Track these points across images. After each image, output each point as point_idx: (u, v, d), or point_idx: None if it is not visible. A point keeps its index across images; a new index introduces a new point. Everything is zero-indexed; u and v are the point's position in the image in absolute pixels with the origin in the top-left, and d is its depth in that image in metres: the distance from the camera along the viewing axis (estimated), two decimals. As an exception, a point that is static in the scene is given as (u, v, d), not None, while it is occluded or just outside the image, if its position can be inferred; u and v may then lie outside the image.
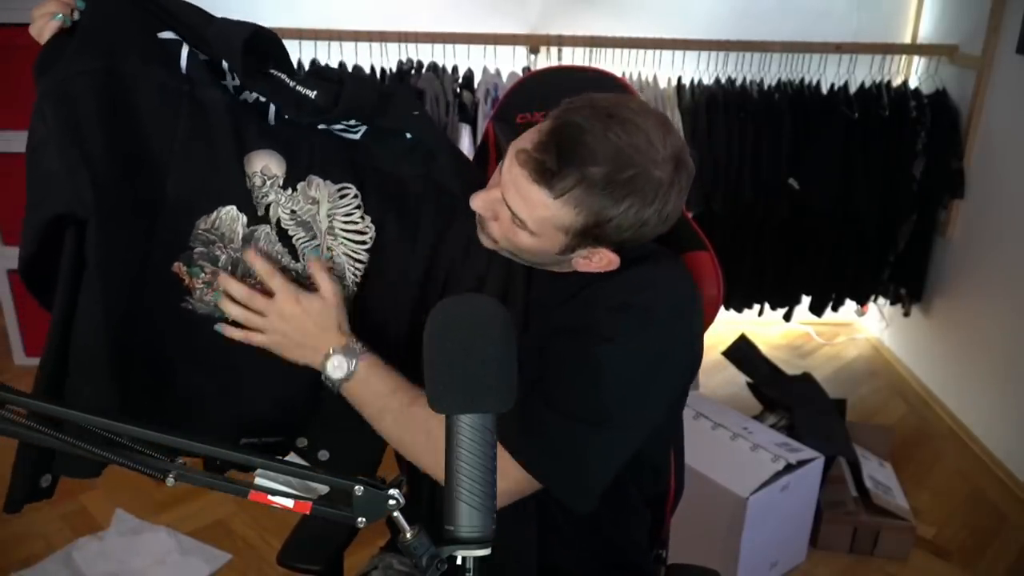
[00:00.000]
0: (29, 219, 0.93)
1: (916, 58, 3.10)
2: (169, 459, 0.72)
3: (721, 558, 1.97)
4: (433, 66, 2.80)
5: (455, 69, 2.82)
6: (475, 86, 2.80)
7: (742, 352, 2.69)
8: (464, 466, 0.70)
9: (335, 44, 2.78)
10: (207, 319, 0.99)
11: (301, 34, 2.74)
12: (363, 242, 1.01)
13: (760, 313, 3.21)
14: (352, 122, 1.00)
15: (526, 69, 2.84)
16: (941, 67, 2.95)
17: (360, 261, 1.02)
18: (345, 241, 1.01)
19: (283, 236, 0.99)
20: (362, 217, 1.01)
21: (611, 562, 1.14)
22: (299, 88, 0.96)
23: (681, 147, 0.92)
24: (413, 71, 2.79)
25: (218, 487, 0.73)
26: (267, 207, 0.98)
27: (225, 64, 0.95)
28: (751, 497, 1.90)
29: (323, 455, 1.05)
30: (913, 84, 3.05)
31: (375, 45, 2.79)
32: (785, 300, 3.17)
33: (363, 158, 1.01)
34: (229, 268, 0.98)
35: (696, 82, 2.89)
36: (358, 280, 1.02)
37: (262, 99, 0.98)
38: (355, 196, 1.00)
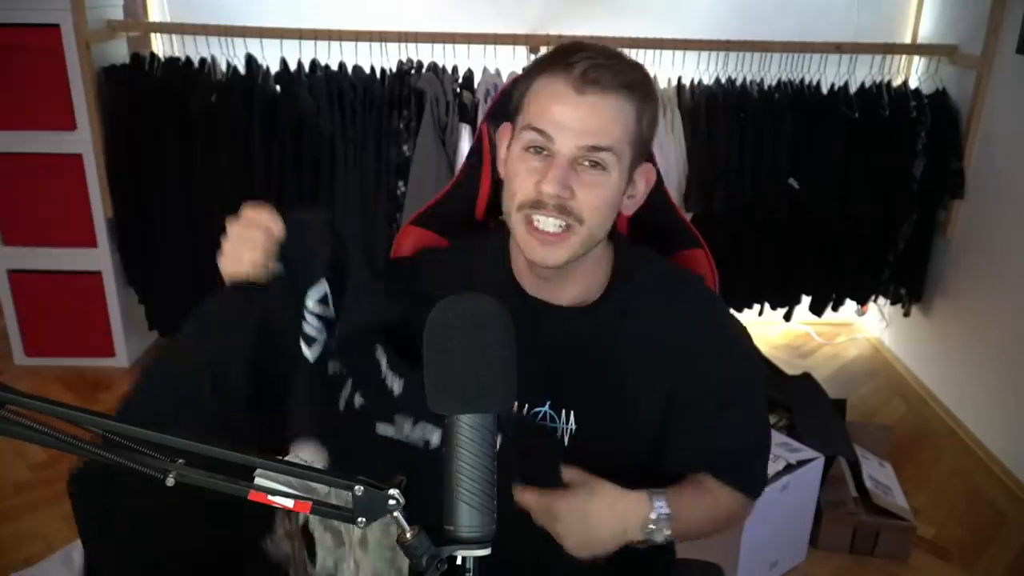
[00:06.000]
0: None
1: (916, 58, 3.10)
2: (169, 459, 0.72)
3: (721, 558, 1.96)
4: (433, 66, 2.80)
5: (455, 69, 2.82)
6: (475, 86, 2.80)
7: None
8: (464, 466, 0.69)
9: (335, 44, 2.78)
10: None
11: (301, 34, 2.74)
12: (392, 559, 0.94)
13: (760, 313, 3.21)
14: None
15: (526, 69, 2.84)
16: (941, 67, 2.94)
17: None
18: (377, 559, 0.94)
19: (305, 533, 0.95)
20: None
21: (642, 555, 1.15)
22: (388, 376, 0.91)
23: None
24: (413, 71, 2.79)
25: (218, 487, 0.73)
26: None
27: (313, 322, 0.92)
28: (751, 497, 1.90)
29: None
30: (913, 84, 3.05)
31: (375, 45, 2.79)
32: (785, 300, 3.17)
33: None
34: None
35: (696, 82, 2.89)
36: None
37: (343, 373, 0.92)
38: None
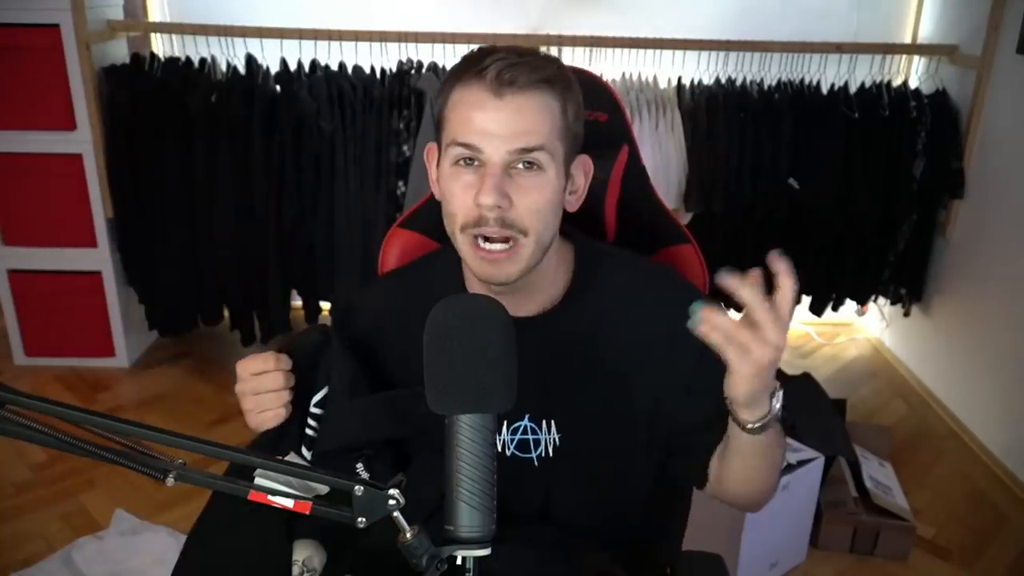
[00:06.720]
0: None
1: (916, 58, 3.10)
2: (169, 459, 0.72)
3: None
4: (433, 66, 2.80)
5: (455, 69, 2.81)
6: (475, 86, 2.80)
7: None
8: (464, 466, 0.69)
9: (335, 44, 2.78)
10: None
11: (301, 34, 2.74)
12: None
13: (760, 313, 3.21)
14: None
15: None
16: (941, 67, 2.94)
17: None
18: None
19: None
20: None
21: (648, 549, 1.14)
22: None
23: None
24: (413, 71, 2.79)
25: (218, 487, 0.73)
26: None
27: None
28: (751, 497, 1.90)
29: None
30: (913, 84, 3.05)
31: (375, 45, 2.79)
32: (785, 300, 3.16)
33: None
34: None
35: (696, 82, 2.89)
36: None
37: None
38: None
